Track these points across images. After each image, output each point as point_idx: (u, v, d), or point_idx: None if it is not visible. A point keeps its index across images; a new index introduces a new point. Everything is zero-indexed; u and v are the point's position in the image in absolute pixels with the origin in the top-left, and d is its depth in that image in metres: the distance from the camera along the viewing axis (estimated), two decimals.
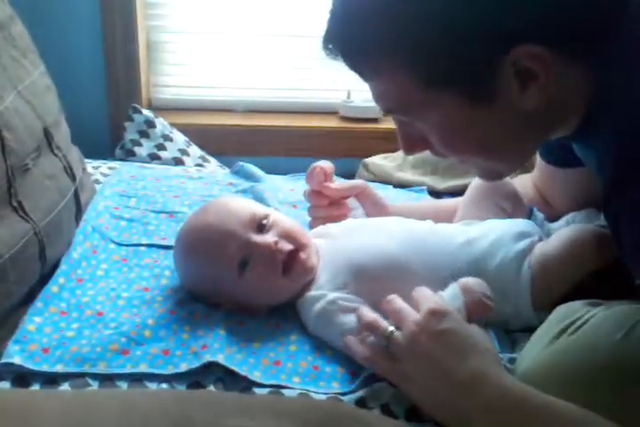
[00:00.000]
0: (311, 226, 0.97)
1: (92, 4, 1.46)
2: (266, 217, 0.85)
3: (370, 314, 0.73)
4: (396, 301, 0.72)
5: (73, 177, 0.98)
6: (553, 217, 0.95)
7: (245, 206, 0.87)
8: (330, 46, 0.64)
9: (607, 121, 0.63)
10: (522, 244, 0.83)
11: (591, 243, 0.80)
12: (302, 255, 0.83)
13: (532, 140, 0.69)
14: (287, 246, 0.82)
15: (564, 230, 0.86)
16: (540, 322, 0.75)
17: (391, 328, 0.70)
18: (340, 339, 0.76)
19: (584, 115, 0.65)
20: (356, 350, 0.73)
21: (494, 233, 0.86)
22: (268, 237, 0.82)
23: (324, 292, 0.81)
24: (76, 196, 0.98)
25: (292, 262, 0.82)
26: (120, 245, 0.98)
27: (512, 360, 0.74)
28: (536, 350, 0.70)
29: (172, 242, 0.91)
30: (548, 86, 0.59)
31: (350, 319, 0.77)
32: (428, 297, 0.71)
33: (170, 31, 1.60)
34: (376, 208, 0.98)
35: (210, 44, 1.61)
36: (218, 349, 0.75)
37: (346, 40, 0.63)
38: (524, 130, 0.65)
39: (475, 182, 0.96)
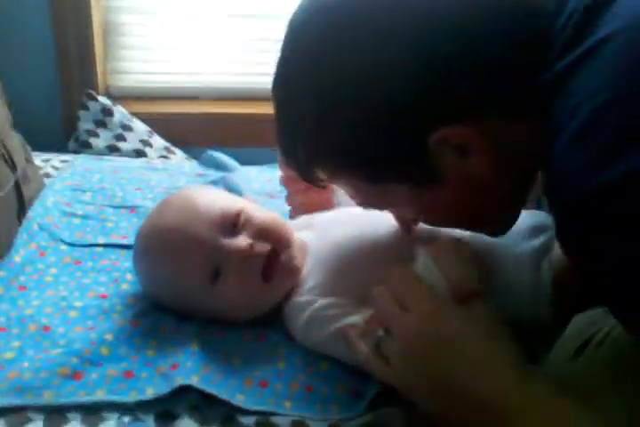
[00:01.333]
0: (291, 216, 0.87)
1: None
2: (238, 213, 0.72)
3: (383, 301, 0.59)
4: (382, 296, 0.58)
5: (13, 166, 0.86)
6: None
7: (214, 201, 0.75)
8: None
9: None
10: (540, 239, 0.73)
11: None
12: (284, 256, 0.71)
13: (518, 191, 0.61)
14: (265, 248, 0.71)
15: None
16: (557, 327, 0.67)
17: (380, 333, 0.58)
18: (332, 344, 0.66)
19: None
20: (356, 347, 0.61)
21: None
22: (242, 240, 0.70)
23: (313, 297, 0.71)
24: (18, 188, 0.86)
25: (273, 265, 0.71)
26: (73, 245, 0.87)
27: None
28: (561, 363, 0.63)
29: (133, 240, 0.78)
30: (488, 149, 0.54)
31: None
32: (408, 286, 0.57)
33: (128, 12, 1.47)
34: None
35: (173, 27, 1.49)
36: (191, 369, 0.65)
37: (283, 148, 0.61)
38: (504, 188, 0.58)
39: None
